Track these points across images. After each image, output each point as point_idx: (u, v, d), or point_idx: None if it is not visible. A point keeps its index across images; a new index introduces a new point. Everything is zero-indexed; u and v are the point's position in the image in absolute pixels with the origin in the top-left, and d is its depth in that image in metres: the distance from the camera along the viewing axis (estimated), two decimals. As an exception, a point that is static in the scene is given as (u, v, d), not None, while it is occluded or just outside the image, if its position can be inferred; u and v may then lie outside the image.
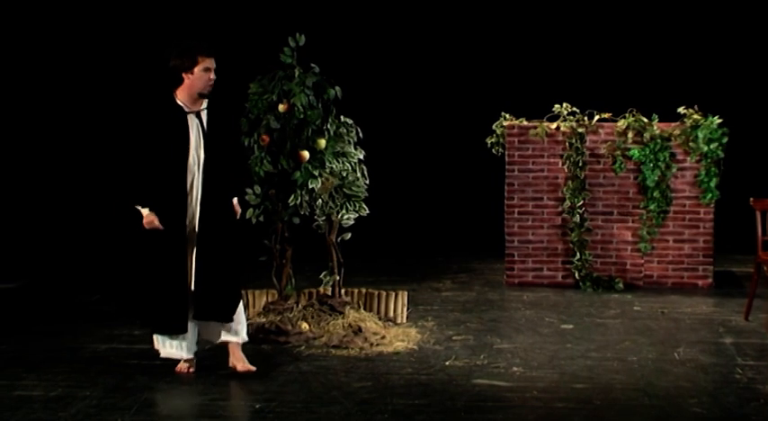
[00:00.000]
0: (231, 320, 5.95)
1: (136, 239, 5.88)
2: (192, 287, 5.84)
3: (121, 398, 5.45)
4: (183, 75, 5.76)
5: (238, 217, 6.14)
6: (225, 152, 5.87)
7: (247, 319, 7.02)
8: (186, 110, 5.79)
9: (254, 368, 6.01)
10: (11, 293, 8.81)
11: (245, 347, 6.15)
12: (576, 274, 8.97)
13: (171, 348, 5.96)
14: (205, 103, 5.83)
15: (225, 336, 6.02)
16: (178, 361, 6.02)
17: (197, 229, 5.81)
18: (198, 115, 5.80)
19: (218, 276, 5.85)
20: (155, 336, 5.98)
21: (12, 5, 11.30)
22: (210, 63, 5.78)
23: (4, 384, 5.70)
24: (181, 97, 5.80)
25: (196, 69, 5.74)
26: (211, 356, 6.35)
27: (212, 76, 5.78)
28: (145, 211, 5.76)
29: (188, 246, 5.82)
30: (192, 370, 6.03)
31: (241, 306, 6.06)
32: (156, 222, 5.73)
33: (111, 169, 6.03)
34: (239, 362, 6.04)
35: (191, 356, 6.02)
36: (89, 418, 5.10)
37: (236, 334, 6.04)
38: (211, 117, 5.82)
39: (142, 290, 5.91)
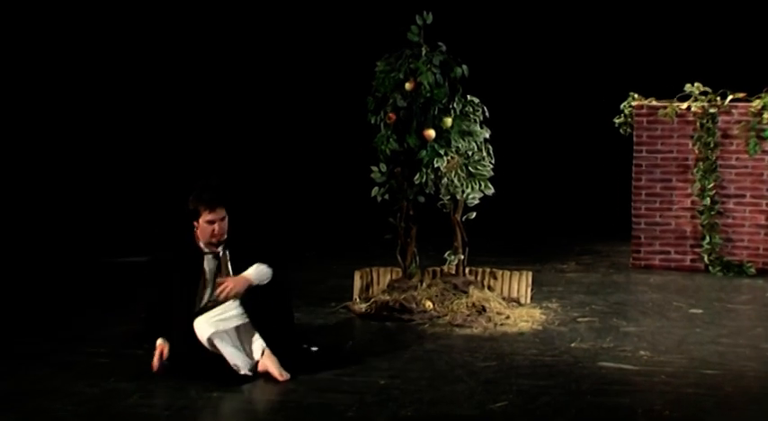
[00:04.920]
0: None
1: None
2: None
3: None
4: (194, 222, 5.50)
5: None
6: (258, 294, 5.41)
7: (372, 297, 7.11)
8: (205, 251, 5.52)
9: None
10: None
11: (370, 323, 6.14)
12: (706, 258, 8.75)
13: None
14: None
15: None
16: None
17: None
18: (217, 256, 5.52)
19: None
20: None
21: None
22: (213, 216, 5.43)
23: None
24: (200, 238, 5.53)
25: (200, 220, 5.46)
26: (335, 333, 6.45)
27: (216, 228, 5.43)
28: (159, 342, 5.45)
29: None
30: None
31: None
32: (156, 361, 5.38)
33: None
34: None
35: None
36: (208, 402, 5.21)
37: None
38: (235, 256, 5.51)
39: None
